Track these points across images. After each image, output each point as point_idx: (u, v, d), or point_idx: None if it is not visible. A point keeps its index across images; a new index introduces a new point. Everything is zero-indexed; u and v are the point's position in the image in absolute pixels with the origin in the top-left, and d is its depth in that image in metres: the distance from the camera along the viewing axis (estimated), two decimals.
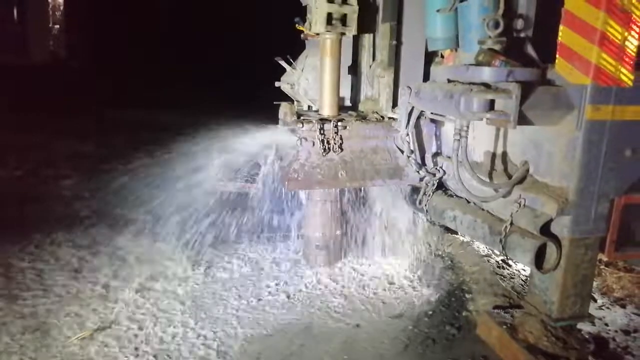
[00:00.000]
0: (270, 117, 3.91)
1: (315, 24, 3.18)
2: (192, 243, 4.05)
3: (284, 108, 3.51)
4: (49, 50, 15.01)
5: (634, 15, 2.21)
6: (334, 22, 3.16)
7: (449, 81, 2.62)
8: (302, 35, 4.19)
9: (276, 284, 3.62)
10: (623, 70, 2.25)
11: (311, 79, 4.04)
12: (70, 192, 5.57)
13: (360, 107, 3.70)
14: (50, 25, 15.19)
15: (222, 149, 3.76)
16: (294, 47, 4.39)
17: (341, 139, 3.18)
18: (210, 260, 3.96)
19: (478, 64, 2.45)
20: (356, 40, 3.69)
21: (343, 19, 3.18)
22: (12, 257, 3.86)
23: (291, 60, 4.39)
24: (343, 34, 3.23)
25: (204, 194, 4.16)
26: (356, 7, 3.17)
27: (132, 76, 12.59)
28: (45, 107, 9.46)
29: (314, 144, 3.14)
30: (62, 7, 15.46)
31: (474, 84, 2.41)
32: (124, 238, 4.28)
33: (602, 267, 3.67)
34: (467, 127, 2.55)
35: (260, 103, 4.74)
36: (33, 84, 10.82)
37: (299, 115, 3.28)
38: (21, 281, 3.49)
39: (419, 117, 3.08)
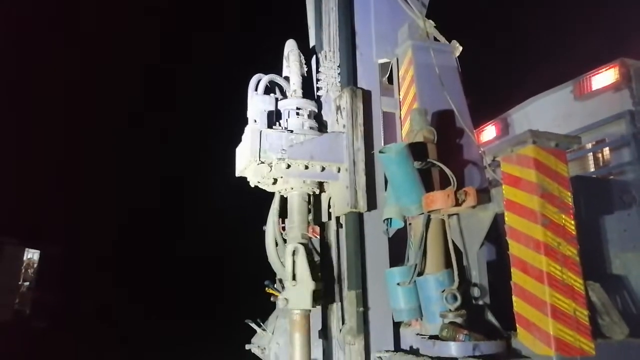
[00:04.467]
0: None
1: None
2: None
3: None
4: (13, 309, 14.65)
5: (575, 287, 2.40)
6: None
7: (418, 355, 2.63)
8: (272, 298, 4.27)
9: None
10: (582, 339, 2.32)
11: (282, 343, 3.96)
12: None
13: None
14: (19, 282, 15.17)
15: None
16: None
17: None
18: None
19: (443, 339, 2.51)
20: (325, 306, 3.75)
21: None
22: None
23: (261, 322, 4.36)
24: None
25: None
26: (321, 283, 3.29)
27: None
28: None
29: None
30: (35, 265, 15.67)
31: (442, 358, 2.43)
32: None
33: None
34: None
35: None
36: None
37: None
38: None
39: None
